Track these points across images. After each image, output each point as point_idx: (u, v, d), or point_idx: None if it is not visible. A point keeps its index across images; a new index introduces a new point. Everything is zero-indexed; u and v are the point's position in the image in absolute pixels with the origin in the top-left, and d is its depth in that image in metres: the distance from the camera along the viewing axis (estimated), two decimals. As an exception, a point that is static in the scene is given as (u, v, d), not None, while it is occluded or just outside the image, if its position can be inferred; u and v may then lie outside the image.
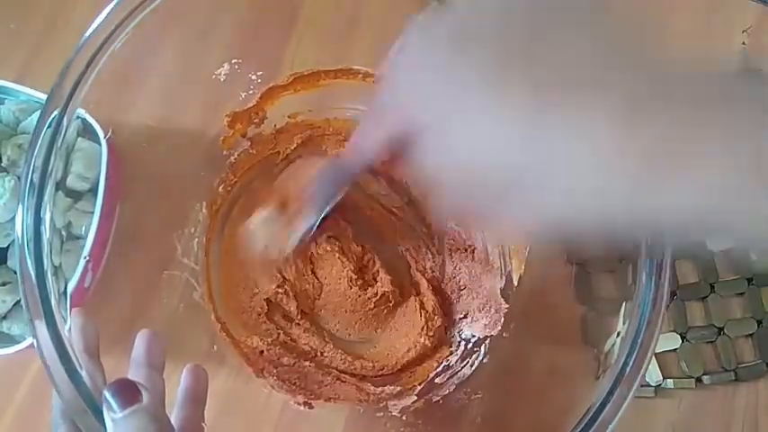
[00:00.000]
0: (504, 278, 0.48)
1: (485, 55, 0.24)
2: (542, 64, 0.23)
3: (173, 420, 0.32)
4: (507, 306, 0.47)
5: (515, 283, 0.47)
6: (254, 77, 0.48)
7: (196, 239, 0.49)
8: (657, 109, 0.22)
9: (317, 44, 0.51)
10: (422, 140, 0.27)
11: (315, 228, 0.44)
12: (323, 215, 0.43)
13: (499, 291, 0.47)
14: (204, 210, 0.49)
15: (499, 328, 0.46)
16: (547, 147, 0.23)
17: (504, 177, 0.24)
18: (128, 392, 0.29)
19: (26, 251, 0.32)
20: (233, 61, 0.47)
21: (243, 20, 0.49)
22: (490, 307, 0.48)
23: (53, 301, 0.32)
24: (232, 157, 0.50)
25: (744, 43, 0.56)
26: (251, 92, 0.48)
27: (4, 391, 0.48)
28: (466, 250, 0.50)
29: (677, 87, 0.23)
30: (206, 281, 0.49)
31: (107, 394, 0.29)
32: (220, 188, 0.50)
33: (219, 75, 0.47)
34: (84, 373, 0.31)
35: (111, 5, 0.36)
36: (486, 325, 0.48)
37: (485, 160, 0.25)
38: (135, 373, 0.35)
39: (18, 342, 0.43)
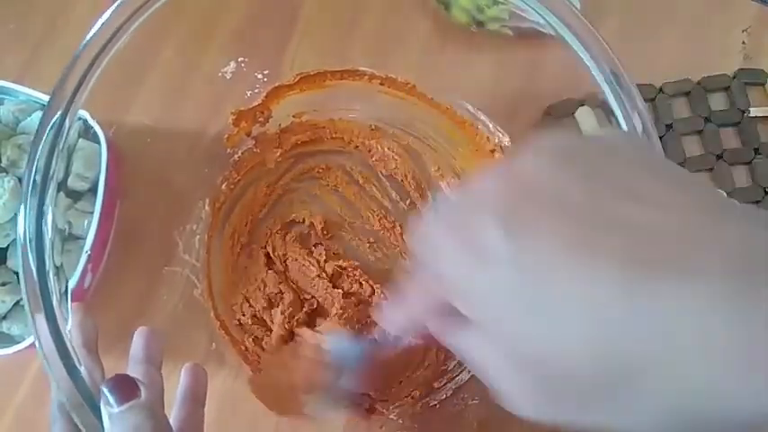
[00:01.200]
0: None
1: (553, 224, 0.20)
2: (617, 240, 0.19)
3: (171, 420, 0.32)
4: None
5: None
6: (259, 76, 0.48)
7: (198, 236, 0.49)
8: (761, 289, 0.18)
9: (317, 44, 0.51)
10: (474, 328, 0.23)
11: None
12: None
13: None
14: (207, 207, 0.49)
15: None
16: (650, 328, 0.19)
17: (600, 369, 0.19)
18: (125, 388, 0.29)
19: (29, 250, 0.32)
20: (239, 59, 0.47)
21: (243, 19, 0.49)
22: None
23: (54, 301, 0.32)
24: (236, 155, 0.50)
25: (744, 43, 0.56)
26: (256, 90, 0.48)
27: (4, 391, 0.48)
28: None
29: None
30: (206, 278, 0.49)
31: (105, 389, 0.29)
32: (224, 186, 0.50)
33: (226, 73, 0.47)
34: (82, 369, 0.31)
35: (113, 7, 0.36)
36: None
37: (566, 349, 0.20)
38: (133, 370, 0.35)
39: (18, 342, 0.43)
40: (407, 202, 0.52)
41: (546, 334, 0.20)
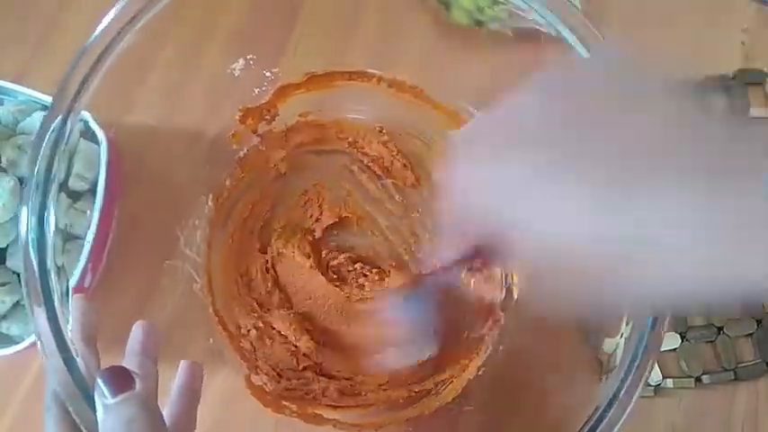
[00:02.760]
0: (504, 291, 0.48)
1: (552, 140, 0.24)
2: (615, 140, 0.24)
3: (165, 415, 0.32)
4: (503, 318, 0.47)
5: (515, 297, 0.47)
6: (268, 74, 0.48)
7: (199, 231, 0.49)
8: (732, 185, 0.22)
9: (317, 44, 0.51)
10: (505, 243, 0.27)
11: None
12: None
13: (498, 304, 0.47)
14: (210, 202, 0.50)
15: (496, 341, 0.46)
16: (635, 219, 0.23)
17: (600, 255, 0.24)
18: (121, 379, 0.29)
19: (30, 247, 0.33)
20: (248, 57, 0.47)
21: (243, 20, 0.49)
22: (487, 319, 0.48)
23: (55, 298, 0.32)
24: (241, 152, 0.50)
25: (744, 43, 0.56)
26: (264, 88, 0.48)
27: (3, 391, 0.48)
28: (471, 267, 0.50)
29: (748, 151, 0.23)
30: (206, 273, 0.49)
31: (100, 380, 0.29)
32: (227, 182, 0.50)
33: (234, 70, 0.47)
34: (79, 360, 0.32)
35: (115, 9, 0.36)
36: (482, 336, 0.48)
37: (574, 242, 0.24)
38: (129, 362, 0.35)
39: (17, 342, 0.43)
40: (410, 204, 0.52)
41: (552, 233, 0.24)
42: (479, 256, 0.31)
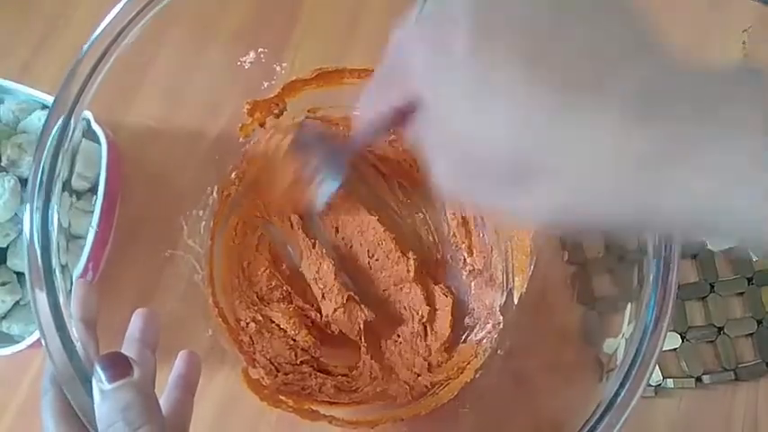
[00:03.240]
0: (504, 294, 0.48)
1: (513, 43, 0.24)
2: (565, 57, 0.23)
3: (162, 403, 0.32)
4: (502, 322, 0.47)
5: (515, 300, 0.47)
6: (278, 68, 0.48)
7: (203, 223, 0.49)
8: (666, 106, 0.22)
9: (316, 44, 0.51)
10: (426, 115, 0.27)
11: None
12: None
13: (498, 307, 0.47)
14: (215, 194, 0.50)
15: (494, 344, 0.47)
16: (561, 138, 0.23)
17: (515, 161, 0.24)
18: (118, 366, 0.29)
19: (35, 243, 0.33)
20: (259, 50, 0.47)
21: (243, 20, 0.49)
22: (487, 322, 0.48)
23: (58, 289, 0.32)
24: (248, 146, 0.50)
25: (744, 43, 0.56)
26: (273, 82, 0.48)
27: (4, 391, 0.48)
28: (473, 270, 0.50)
29: (685, 85, 0.23)
30: (208, 264, 0.49)
31: (98, 366, 0.29)
32: (233, 174, 0.50)
33: (245, 62, 0.47)
34: (78, 344, 0.32)
35: (116, 9, 0.36)
36: (480, 339, 0.48)
37: (495, 141, 0.24)
38: (127, 349, 0.35)
39: (18, 342, 0.43)
40: (413, 203, 0.52)
41: (478, 122, 0.24)
42: (396, 125, 0.31)
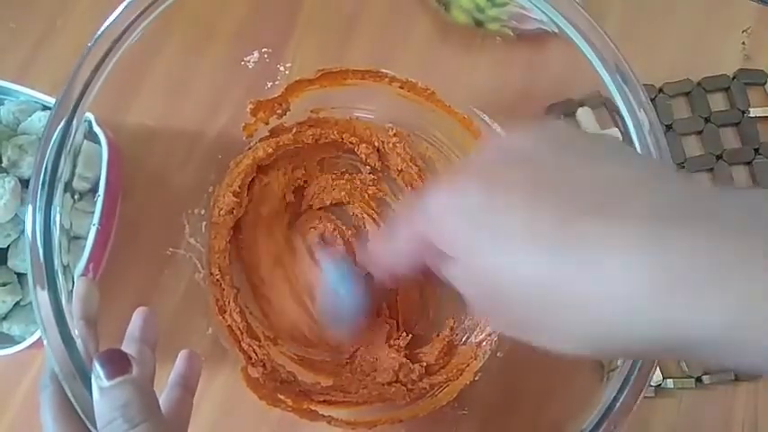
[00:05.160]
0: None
1: (515, 187, 0.25)
2: (568, 190, 0.24)
3: (161, 401, 0.32)
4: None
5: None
6: (281, 69, 0.48)
7: (205, 222, 0.49)
8: (681, 232, 0.22)
9: (316, 44, 0.51)
10: (451, 263, 0.28)
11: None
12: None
13: None
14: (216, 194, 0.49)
15: (494, 346, 0.47)
16: (574, 266, 0.23)
17: (532, 298, 0.25)
18: (118, 363, 0.30)
19: (37, 241, 0.33)
20: (263, 50, 0.47)
21: (243, 20, 0.49)
22: (487, 324, 0.48)
23: (59, 287, 0.33)
24: (250, 145, 0.50)
25: (744, 43, 0.56)
26: (276, 82, 0.49)
27: (4, 391, 0.48)
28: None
29: (699, 211, 0.23)
30: (209, 263, 0.49)
31: (97, 363, 0.29)
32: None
33: (248, 62, 0.47)
34: (78, 341, 0.32)
35: (119, 10, 0.36)
36: (480, 341, 0.48)
37: (512, 280, 0.25)
38: (127, 347, 0.35)
39: (18, 342, 0.43)
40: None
41: (496, 262, 0.25)
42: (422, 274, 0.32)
